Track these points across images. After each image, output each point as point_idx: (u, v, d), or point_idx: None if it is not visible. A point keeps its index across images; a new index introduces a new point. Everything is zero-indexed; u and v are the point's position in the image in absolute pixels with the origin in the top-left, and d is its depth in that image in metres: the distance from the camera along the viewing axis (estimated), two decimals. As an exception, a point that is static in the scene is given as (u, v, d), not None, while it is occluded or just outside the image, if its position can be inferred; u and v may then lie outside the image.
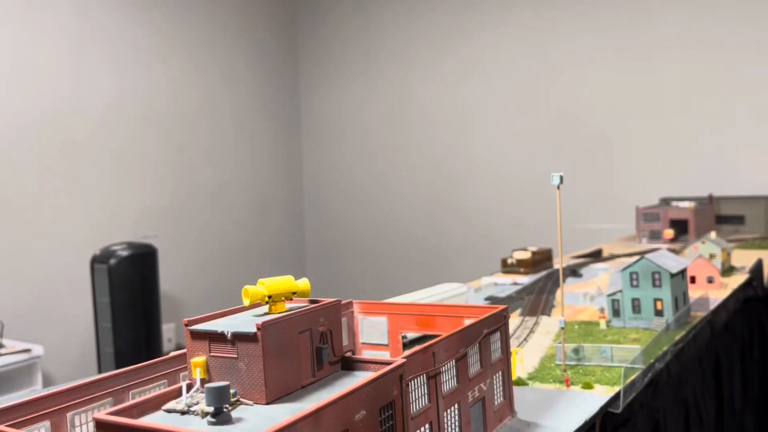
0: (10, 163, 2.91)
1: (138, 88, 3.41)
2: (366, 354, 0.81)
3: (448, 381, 0.66)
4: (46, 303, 3.01)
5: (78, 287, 3.04)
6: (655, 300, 1.17)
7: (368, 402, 0.53)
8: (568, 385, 0.92)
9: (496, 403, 0.74)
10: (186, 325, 0.59)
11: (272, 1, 4.22)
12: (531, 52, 3.50)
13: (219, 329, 0.57)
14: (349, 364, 0.64)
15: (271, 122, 4.18)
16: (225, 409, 0.51)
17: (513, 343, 1.17)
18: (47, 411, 0.56)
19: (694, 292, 1.35)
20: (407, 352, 0.60)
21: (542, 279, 1.79)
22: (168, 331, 3.40)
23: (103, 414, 0.48)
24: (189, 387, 0.55)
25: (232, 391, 0.54)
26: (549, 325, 1.28)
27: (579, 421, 0.80)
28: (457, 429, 0.66)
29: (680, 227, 2.45)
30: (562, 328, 1.00)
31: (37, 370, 2.56)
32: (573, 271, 1.95)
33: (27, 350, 2.53)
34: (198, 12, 3.73)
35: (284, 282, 0.64)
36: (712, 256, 1.68)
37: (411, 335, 0.83)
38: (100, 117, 3.24)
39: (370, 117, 4.07)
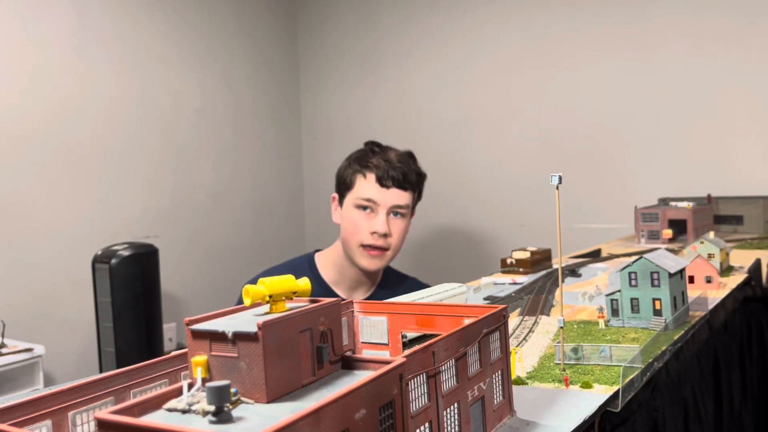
0: (11, 163, 2.92)
1: (138, 88, 3.42)
2: (366, 353, 0.81)
3: (448, 380, 0.66)
4: (47, 303, 3.01)
5: (79, 287, 3.05)
6: (654, 300, 1.17)
7: (368, 401, 0.53)
8: (567, 385, 0.93)
9: (495, 402, 0.74)
10: (187, 324, 0.59)
11: (272, 2, 4.23)
12: (531, 52, 3.51)
13: (220, 329, 0.57)
14: (350, 363, 0.64)
15: (271, 122, 4.19)
16: (226, 408, 0.51)
17: (512, 342, 1.17)
18: (48, 410, 0.56)
19: (692, 292, 1.35)
20: (407, 352, 0.60)
21: (541, 279, 1.79)
22: (169, 330, 3.41)
23: (104, 413, 0.49)
24: (190, 386, 0.55)
25: (232, 390, 0.54)
26: (548, 325, 1.29)
27: (578, 420, 0.80)
28: (456, 428, 0.67)
29: (679, 227, 2.45)
30: (561, 328, 1.00)
31: (38, 369, 2.57)
32: (572, 271, 1.95)
33: (28, 350, 2.54)
34: (198, 12, 3.73)
35: (285, 281, 0.64)
36: (710, 256, 1.69)
37: (411, 335, 0.84)
38: (100, 117, 3.25)
39: (371, 117, 4.07)
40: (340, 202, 2.16)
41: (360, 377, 0.59)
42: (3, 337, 2.58)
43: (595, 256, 2.29)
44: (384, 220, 2.03)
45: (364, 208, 2.05)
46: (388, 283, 2.24)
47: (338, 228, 2.18)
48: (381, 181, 2.04)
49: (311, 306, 0.63)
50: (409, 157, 2.14)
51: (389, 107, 4.01)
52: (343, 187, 2.13)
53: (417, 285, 2.20)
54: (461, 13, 3.72)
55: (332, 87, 4.25)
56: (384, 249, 2.06)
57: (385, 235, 2.04)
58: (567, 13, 3.38)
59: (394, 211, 2.06)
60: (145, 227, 3.41)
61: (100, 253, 2.67)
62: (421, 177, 2.15)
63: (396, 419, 0.56)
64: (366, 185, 2.05)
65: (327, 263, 2.19)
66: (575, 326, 1.27)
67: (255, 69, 4.08)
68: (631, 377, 0.93)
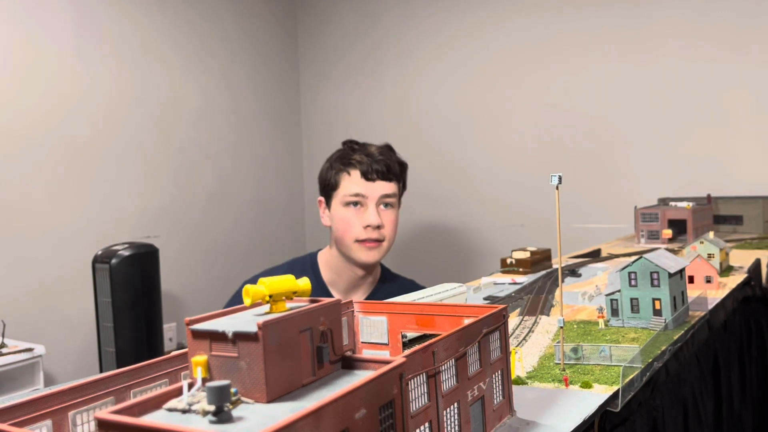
0: (11, 162, 2.92)
1: (138, 88, 3.42)
2: (366, 353, 0.81)
3: (448, 380, 0.66)
4: (48, 303, 3.01)
5: (79, 287, 3.05)
6: (654, 299, 1.17)
7: (368, 401, 0.53)
8: (567, 384, 0.93)
9: (495, 401, 0.74)
10: (187, 324, 0.59)
11: (272, 2, 4.23)
12: (531, 52, 3.51)
13: (220, 328, 0.57)
14: (350, 363, 0.64)
15: (271, 122, 4.19)
16: (226, 408, 0.51)
17: (512, 342, 1.17)
18: (49, 410, 0.56)
19: (692, 292, 1.35)
20: (407, 352, 0.60)
21: (541, 279, 1.79)
22: (169, 330, 3.41)
23: (104, 413, 0.49)
24: (190, 386, 0.56)
25: (233, 389, 0.54)
26: (548, 325, 1.29)
27: (578, 420, 0.80)
28: (456, 427, 0.67)
29: (678, 227, 2.45)
30: (561, 328, 1.00)
31: (38, 369, 2.56)
32: (572, 271, 1.95)
33: (29, 349, 2.54)
34: (198, 12, 3.73)
35: (285, 281, 0.64)
36: (710, 256, 1.69)
37: (411, 335, 0.84)
38: (100, 117, 3.25)
39: (371, 117, 4.07)
40: (327, 204, 2.19)
41: (360, 377, 0.59)
42: (3, 336, 2.58)
43: (594, 256, 2.29)
44: (375, 212, 2.06)
45: (354, 204, 2.08)
46: (386, 281, 2.25)
47: None
48: (366, 175, 2.08)
49: (311, 306, 0.63)
50: (389, 149, 2.19)
51: (389, 107, 4.01)
52: (329, 188, 2.16)
53: (414, 286, 2.21)
54: (461, 13, 3.72)
55: (332, 87, 4.25)
56: (379, 241, 2.08)
57: (379, 227, 2.06)
58: (567, 13, 3.38)
59: (383, 202, 2.10)
60: (145, 227, 3.42)
61: (100, 253, 2.67)
62: (403, 166, 2.21)
63: (396, 419, 0.56)
64: (352, 182, 2.09)
65: (323, 264, 2.21)
66: (575, 326, 1.27)
67: (255, 69, 4.08)
68: (630, 377, 0.93)
